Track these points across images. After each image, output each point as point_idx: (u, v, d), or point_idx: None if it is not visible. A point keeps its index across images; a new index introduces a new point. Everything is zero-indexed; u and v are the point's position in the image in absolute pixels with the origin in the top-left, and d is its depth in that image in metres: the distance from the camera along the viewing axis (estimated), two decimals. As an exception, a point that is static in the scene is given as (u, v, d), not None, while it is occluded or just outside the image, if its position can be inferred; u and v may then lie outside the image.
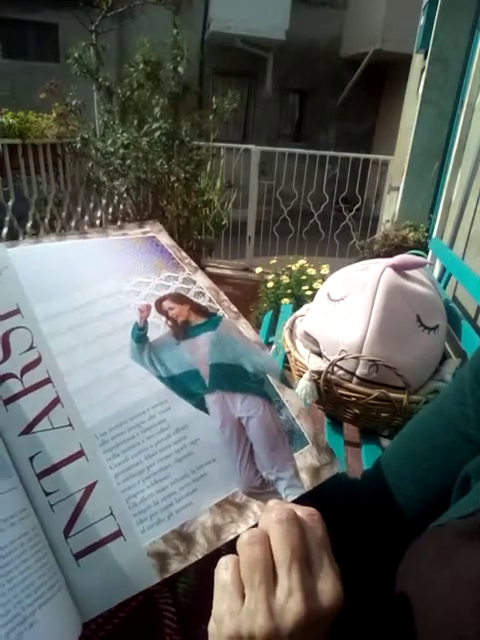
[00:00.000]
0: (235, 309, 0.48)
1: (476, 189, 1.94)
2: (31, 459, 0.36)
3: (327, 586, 0.31)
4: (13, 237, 3.21)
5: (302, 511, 0.33)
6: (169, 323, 0.44)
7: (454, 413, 0.41)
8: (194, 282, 0.48)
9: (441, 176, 2.97)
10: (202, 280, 0.49)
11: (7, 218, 3.11)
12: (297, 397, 0.44)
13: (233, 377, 0.42)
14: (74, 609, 0.34)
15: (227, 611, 0.32)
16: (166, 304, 0.45)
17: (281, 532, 0.32)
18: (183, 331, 0.44)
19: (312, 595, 0.30)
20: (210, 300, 0.47)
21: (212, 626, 0.33)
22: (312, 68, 8.80)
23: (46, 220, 3.46)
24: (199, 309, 0.46)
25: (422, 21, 3.23)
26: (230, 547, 0.44)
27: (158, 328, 0.43)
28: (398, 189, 3.41)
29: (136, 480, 0.38)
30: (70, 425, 0.38)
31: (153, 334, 0.43)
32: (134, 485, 0.37)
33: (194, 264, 0.51)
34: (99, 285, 0.45)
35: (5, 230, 3.12)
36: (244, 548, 0.32)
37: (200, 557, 0.36)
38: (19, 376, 0.39)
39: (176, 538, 0.36)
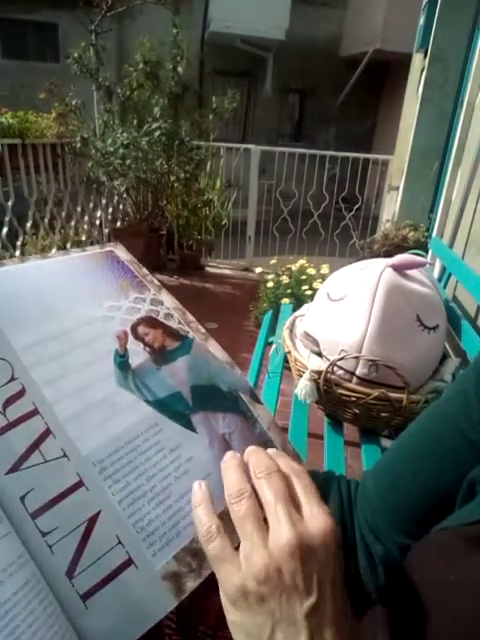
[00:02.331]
0: (203, 330, 0.51)
1: (476, 189, 1.93)
2: (22, 498, 0.34)
3: (315, 516, 0.32)
4: (13, 237, 3.21)
5: (285, 465, 0.36)
6: (147, 349, 0.46)
7: (458, 416, 0.41)
8: (161, 303, 0.50)
9: (441, 176, 2.97)
10: (168, 300, 0.51)
11: (7, 218, 3.11)
12: (266, 411, 0.48)
13: (212, 397, 0.46)
14: None
15: (228, 573, 0.32)
16: (141, 329, 0.47)
17: (264, 482, 0.34)
18: (161, 356, 0.46)
19: (300, 523, 0.31)
20: (179, 322, 0.50)
21: (224, 601, 0.33)
22: (312, 68, 8.79)
23: (46, 220, 3.46)
24: (171, 333, 0.48)
25: (422, 21, 3.23)
26: None
27: (138, 354, 0.45)
28: (398, 189, 3.41)
29: (141, 503, 0.37)
30: (65, 456, 0.37)
31: (134, 360, 0.44)
32: (139, 508, 0.37)
33: (157, 282, 0.53)
34: (73, 312, 0.45)
35: (5, 230, 3.12)
36: (233, 506, 0.34)
37: (212, 571, 0.36)
38: (2, 410, 0.36)
39: (187, 555, 0.36)
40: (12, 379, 0.38)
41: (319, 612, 0.30)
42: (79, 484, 0.36)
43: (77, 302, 0.46)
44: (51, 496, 0.35)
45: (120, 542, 0.35)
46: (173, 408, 0.43)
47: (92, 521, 0.35)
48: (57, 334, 0.43)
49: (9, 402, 0.37)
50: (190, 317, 0.52)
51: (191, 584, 0.35)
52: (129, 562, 0.35)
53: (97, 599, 0.33)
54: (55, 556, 0.33)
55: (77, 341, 0.43)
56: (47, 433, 0.37)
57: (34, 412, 0.37)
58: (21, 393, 0.38)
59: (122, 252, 0.54)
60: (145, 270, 0.54)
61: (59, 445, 0.37)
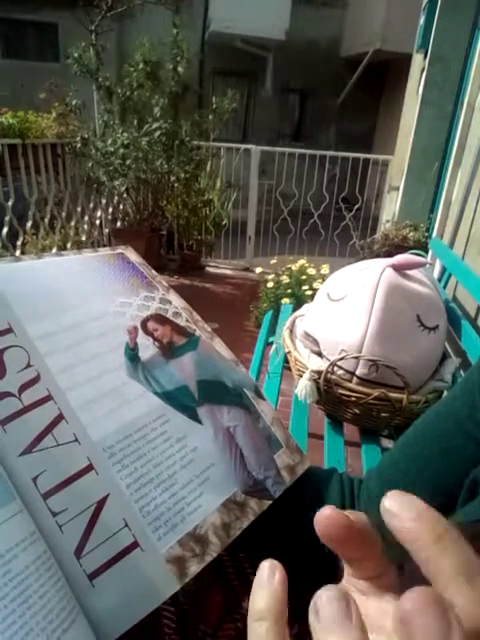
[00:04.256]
0: (209, 329, 0.53)
1: (476, 189, 1.94)
2: (35, 479, 0.35)
3: None
4: (13, 237, 3.21)
5: None
6: (156, 344, 0.48)
7: (462, 415, 0.41)
8: (170, 302, 0.53)
9: (441, 176, 2.97)
10: (176, 300, 0.54)
11: (7, 218, 3.11)
12: (270, 407, 0.50)
13: (217, 391, 0.48)
14: (92, 635, 0.32)
15: None
16: (151, 325, 0.49)
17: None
18: (169, 351, 0.48)
19: None
20: (187, 320, 0.52)
21: None
22: (312, 68, 8.80)
23: (46, 220, 3.46)
24: (179, 330, 0.51)
25: (422, 21, 3.24)
26: (229, 549, 0.44)
27: (147, 348, 0.47)
28: (398, 189, 3.42)
29: (147, 489, 0.38)
30: (76, 440, 0.38)
31: (143, 354, 0.46)
32: (146, 494, 0.38)
33: (165, 283, 0.55)
34: (86, 306, 0.47)
35: (5, 230, 3.12)
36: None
37: (215, 556, 0.37)
38: (17, 394, 0.38)
39: (191, 540, 0.38)
40: (28, 366, 0.40)
41: None
42: (89, 468, 0.37)
43: (90, 297, 0.48)
44: (62, 478, 0.36)
45: (127, 525, 0.36)
46: (180, 400, 0.45)
47: (100, 503, 0.36)
48: (71, 326, 0.45)
49: (25, 387, 0.39)
50: (197, 317, 0.54)
51: (194, 568, 0.36)
52: (135, 545, 0.36)
53: (103, 579, 0.34)
54: (64, 535, 0.34)
55: (90, 333, 0.45)
56: (60, 418, 0.38)
57: (48, 398, 0.39)
58: (36, 379, 0.39)
59: (132, 254, 0.57)
60: (154, 272, 0.56)
61: (71, 430, 0.38)
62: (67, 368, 0.41)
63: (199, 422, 0.44)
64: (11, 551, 0.31)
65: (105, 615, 0.33)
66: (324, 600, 0.20)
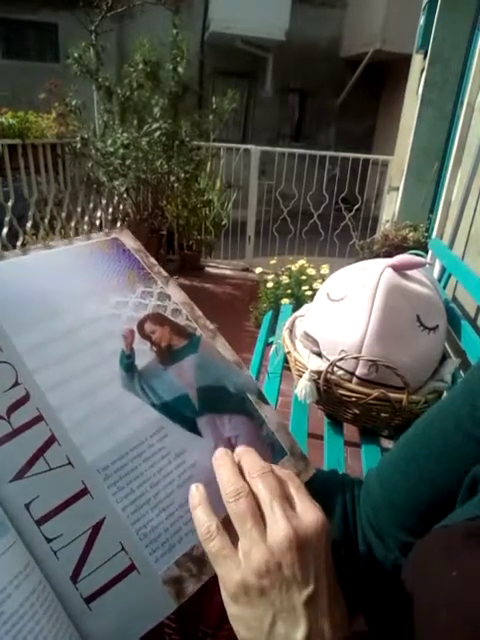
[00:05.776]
0: (211, 326, 0.49)
1: (476, 189, 1.94)
2: (27, 505, 0.34)
3: (307, 511, 0.34)
4: (13, 237, 3.21)
5: (277, 470, 0.38)
6: (154, 348, 0.44)
7: (462, 414, 0.41)
8: (169, 297, 0.49)
9: (441, 176, 2.97)
10: (176, 294, 0.50)
11: (7, 218, 3.11)
12: (274, 412, 0.47)
13: (218, 399, 0.45)
14: None
15: (228, 570, 0.33)
16: (148, 327, 0.45)
17: (259, 481, 0.36)
18: (168, 356, 0.45)
19: (294, 518, 0.34)
20: (187, 318, 0.48)
21: (224, 596, 0.34)
22: (312, 68, 8.79)
23: (46, 220, 3.46)
24: (179, 330, 0.47)
25: (422, 21, 3.23)
26: None
27: (144, 354, 0.43)
28: (398, 189, 3.41)
29: (144, 510, 0.37)
30: (69, 463, 0.36)
31: (140, 361, 0.43)
32: (143, 516, 0.37)
33: (164, 273, 0.51)
34: (79, 309, 0.43)
35: (5, 230, 3.12)
36: (230, 505, 0.35)
37: (212, 575, 0.36)
38: (5, 416, 0.35)
39: (188, 561, 0.37)
40: (16, 384, 0.37)
41: (316, 600, 0.32)
42: (84, 492, 0.36)
43: (83, 298, 0.44)
44: (56, 504, 0.35)
45: (123, 548, 0.35)
46: (179, 411, 0.42)
47: (96, 528, 0.35)
48: (62, 334, 0.41)
49: (13, 408, 0.36)
50: (198, 312, 0.50)
51: (191, 588, 0.36)
52: (132, 568, 0.35)
53: (100, 602, 0.34)
54: (60, 562, 0.33)
55: (83, 341, 0.42)
56: (52, 440, 0.36)
57: (39, 418, 0.37)
58: (25, 399, 0.37)
59: (128, 239, 0.52)
60: (152, 259, 0.51)
61: (64, 452, 0.36)
62: (58, 384, 0.39)
63: (199, 434, 0.42)
64: (4, 591, 0.30)
65: (101, 637, 0.33)
66: (231, 499, 0.35)
